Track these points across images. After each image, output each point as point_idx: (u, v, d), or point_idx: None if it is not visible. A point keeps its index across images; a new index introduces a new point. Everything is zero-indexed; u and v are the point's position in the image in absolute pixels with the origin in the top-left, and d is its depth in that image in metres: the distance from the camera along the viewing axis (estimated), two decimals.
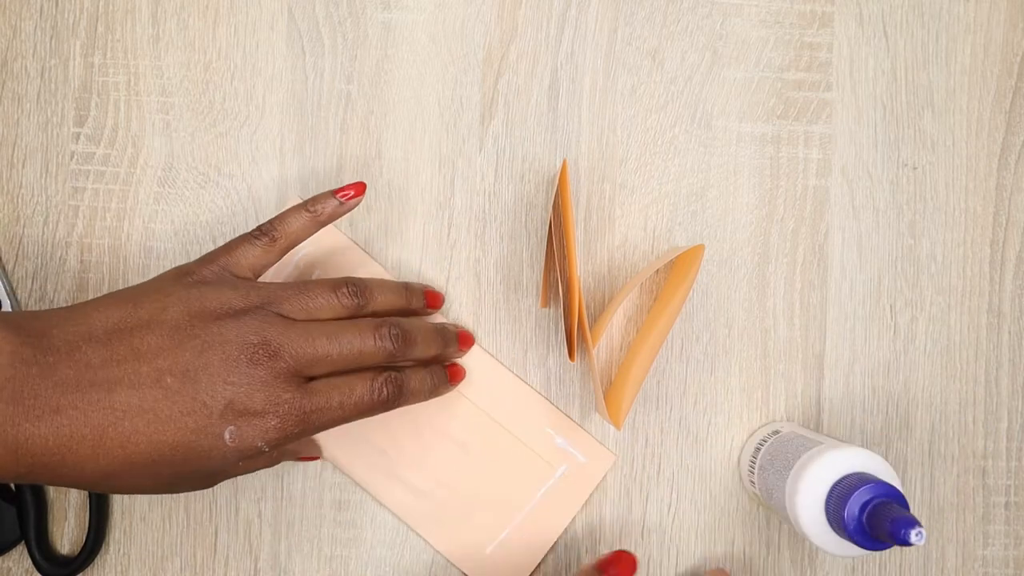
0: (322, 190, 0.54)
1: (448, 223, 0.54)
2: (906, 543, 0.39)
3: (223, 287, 0.44)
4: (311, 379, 0.45)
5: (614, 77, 0.55)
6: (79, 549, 0.53)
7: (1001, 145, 0.55)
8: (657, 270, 0.54)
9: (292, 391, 0.43)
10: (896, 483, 0.44)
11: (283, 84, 0.54)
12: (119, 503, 0.53)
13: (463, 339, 0.53)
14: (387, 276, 0.53)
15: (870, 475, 0.44)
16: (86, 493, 0.52)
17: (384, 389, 0.46)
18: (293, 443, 0.48)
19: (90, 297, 0.54)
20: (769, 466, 0.49)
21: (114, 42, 0.54)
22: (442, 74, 0.55)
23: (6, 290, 0.53)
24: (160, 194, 0.54)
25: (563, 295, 0.48)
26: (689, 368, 0.54)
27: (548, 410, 0.53)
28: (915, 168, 0.55)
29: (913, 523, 0.39)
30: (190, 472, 0.43)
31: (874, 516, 0.42)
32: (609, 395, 0.52)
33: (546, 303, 0.54)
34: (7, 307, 0.53)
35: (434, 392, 0.50)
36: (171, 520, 0.53)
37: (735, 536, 0.54)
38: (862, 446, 0.47)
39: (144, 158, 0.54)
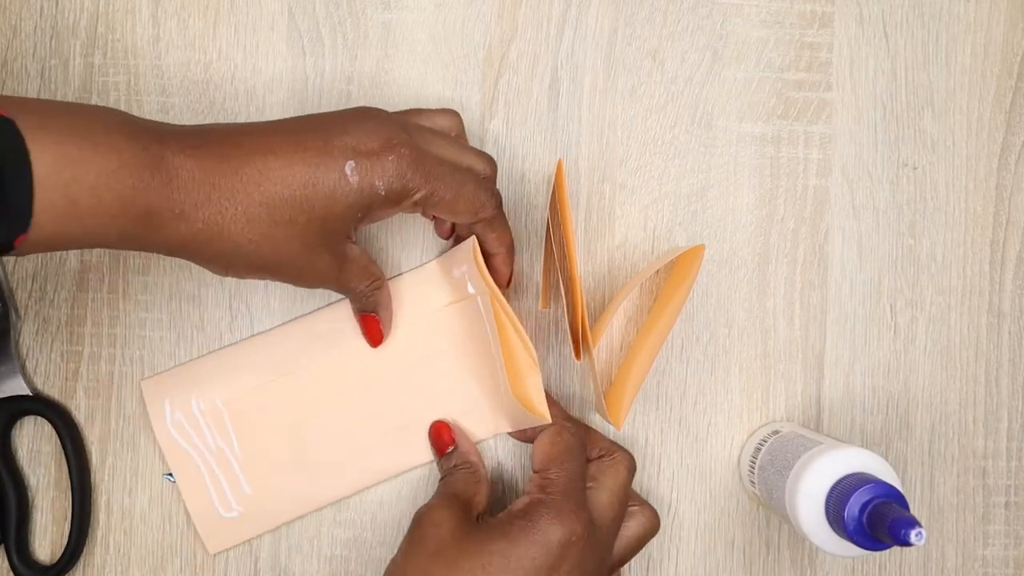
0: None
1: (448, 223, 0.54)
2: (906, 543, 0.39)
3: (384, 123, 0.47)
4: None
5: (614, 77, 0.55)
6: (59, 555, 0.53)
7: (1001, 145, 0.55)
8: (657, 270, 0.54)
9: (407, 136, 0.46)
10: (896, 483, 0.44)
11: (283, 84, 0.54)
12: (119, 503, 0.53)
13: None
14: None
15: (870, 475, 0.44)
16: (69, 500, 0.52)
17: (493, 194, 0.48)
18: (381, 292, 0.50)
19: (89, 297, 0.54)
20: (769, 466, 0.49)
21: (114, 42, 0.54)
22: (442, 74, 0.55)
23: (6, 290, 0.53)
24: None
25: (564, 295, 0.48)
26: (689, 368, 0.54)
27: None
28: (915, 168, 0.55)
29: (913, 523, 0.39)
30: (319, 218, 0.44)
31: (874, 516, 0.42)
32: (609, 395, 0.52)
33: (547, 304, 0.54)
34: (6, 307, 0.53)
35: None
36: (171, 520, 0.53)
37: (735, 536, 0.54)
38: (862, 446, 0.47)
39: None
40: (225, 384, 0.53)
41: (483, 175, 0.48)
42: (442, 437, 0.52)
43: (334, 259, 0.46)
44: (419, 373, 0.53)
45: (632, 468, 0.49)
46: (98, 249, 0.54)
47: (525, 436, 0.52)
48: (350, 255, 0.47)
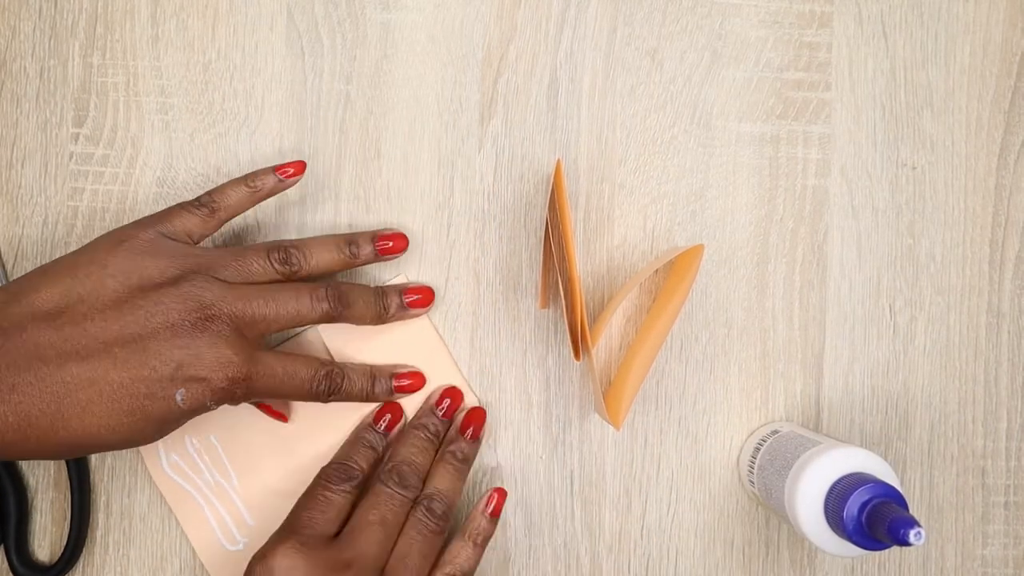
0: (321, 191, 0.54)
1: (447, 223, 0.54)
2: (905, 543, 0.39)
3: (160, 255, 0.46)
4: (259, 345, 0.47)
5: (613, 77, 0.55)
6: (59, 555, 0.52)
7: (1000, 145, 0.55)
8: (656, 270, 0.54)
9: (238, 353, 0.45)
10: (895, 483, 0.44)
11: (282, 84, 0.54)
12: (118, 503, 0.53)
13: (415, 293, 0.52)
14: (459, 377, 0.54)
15: (869, 475, 0.44)
16: (68, 500, 0.52)
17: (323, 383, 0.48)
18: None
19: None
20: (768, 466, 0.49)
21: (113, 42, 0.54)
22: (441, 74, 0.55)
23: None
24: (159, 194, 0.54)
25: (563, 295, 0.48)
26: (688, 368, 0.54)
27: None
28: (914, 168, 0.55)
29: (912, 523, 0.40)
30: (149, 433, 0.44)
31: (873, 516, 0.42)
32: (608, 395, 0.52)
33: (546, 304, 0.54)
34: None
35: (371, 398, 0.51)
36: (171, 520, 0.53)
37: (734, 536, 0.54)
38: (861, 446, 0.47)
39: (143, 159, 0.54)
40: (217, 418, 0.52)
41: (308, 310, 0.47)
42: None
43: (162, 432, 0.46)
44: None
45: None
46: None
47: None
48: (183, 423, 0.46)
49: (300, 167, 0.50)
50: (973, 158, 0.55)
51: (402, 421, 0.52)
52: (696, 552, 0.54)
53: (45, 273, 0.45)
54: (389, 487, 0.49)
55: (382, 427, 0.52)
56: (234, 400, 0.45)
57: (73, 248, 0.54)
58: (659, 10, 0.55)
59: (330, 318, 0.48)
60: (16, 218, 0.54)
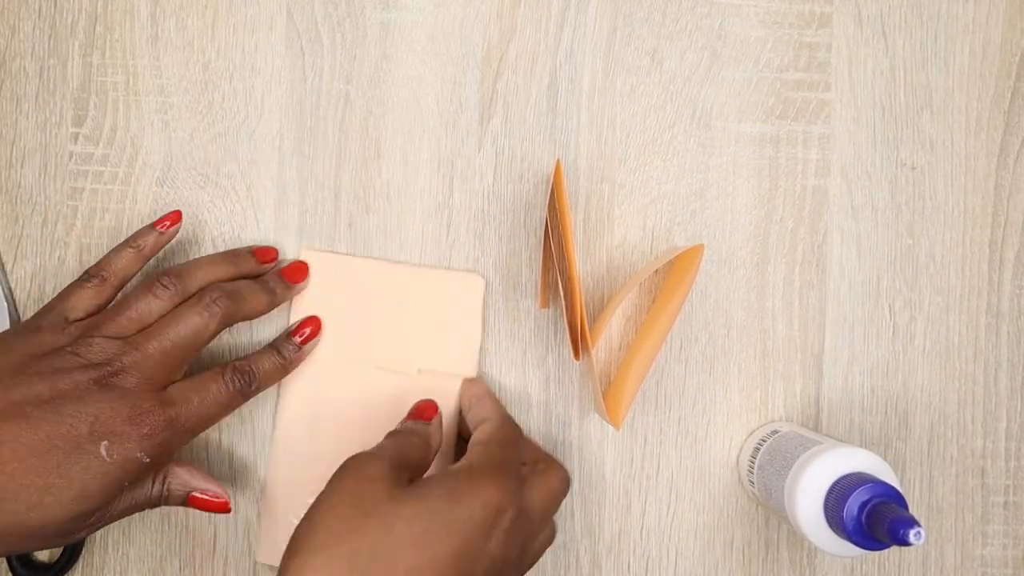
0: (320, 191, 0.54)
1: (447, 223, 0.54)
2: (905, 543, 0.39)
3: (54, 330, 0.46)
4: (167, 386, 0.46)
5: (613, 77, 0.55)
6: (58, 555, 0.52)
7: (1000, 145, 0.55)
8: (656, 270, 0.54)
9: (150, 401, 0.45)
10: (895, 483, 0.44)
11: (282, 84, 0.54)
12: None
13: (291, 273, 0.52)
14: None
15: (869, 475, 0.44)
16: None
17: (236, 380, 0.48)
18: (178, 474, 0.48)
19: None
20: (768, 466, 0.49)
21: (113, 42, 0.54)
22: (441, 74, 0.55)
23: (4, 290, 0.53)
24: (159, 194, 0.54)
25: (563, 295, 0.48)
26: (688, 368, 0.54)
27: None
28: (914, 168, 0.55)
29: (912, 523, 0.40)
30: (85, 489, 0.43)
31: (873, 516, 0.42)
32: (608, 395, 0.52)
33: (545, 304, 0.54)
34: (5, 307, 0.53)
35: (287, 367, 0.51)
36: (170, 521, 0.53)
37: (734, 536, 0.54)
38: (861, 446, 0.47)
39: (143, 158, 0.54)
40: None
41: (205, 324, 0.47)
42: (427, 409, 0.50)
43: (101, 519, 0.45)
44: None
45: (566, 480, 0.48)
46: (96, 249, 0.54)
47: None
48: (118, 507, 0.46)
49: (176, 217, 0.51)
50: (973, 158, 0.55)
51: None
52: (696, 552, 0.54)
53: None
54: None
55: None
56: (166, 447, 0.45)
57: (72, 247, 0.54)
58: (659, 10, 0.55)
59: (228, 321, 0.48)
60: (16, 218, 0.54)
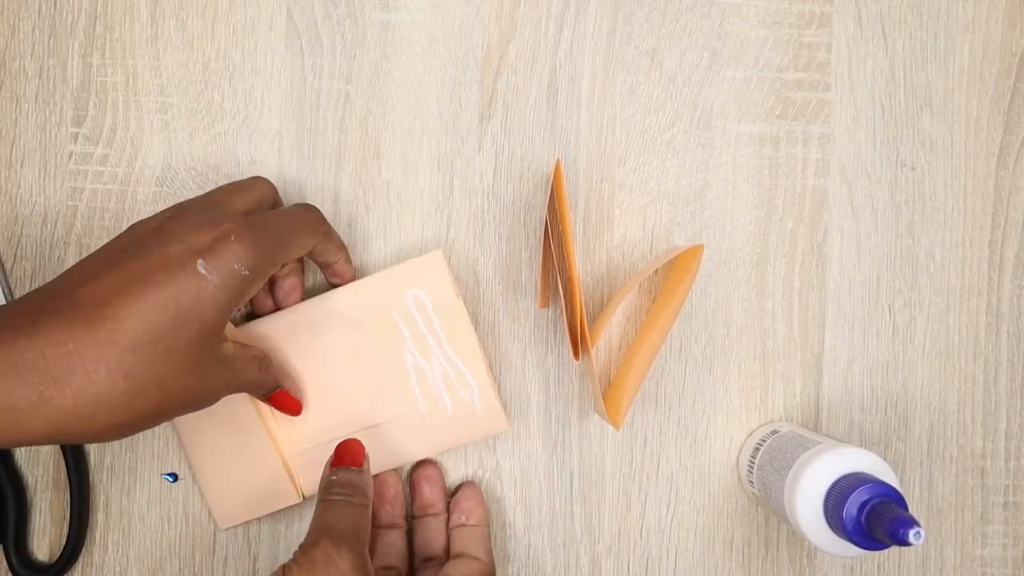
0: (320, 191, 0.54)
1: (447, 223, 0.54)
2: (905, 543, 0.39)
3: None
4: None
5: (613, 77, 0.55)
6: (58, 555, 0.52)
7: (1000, 145, 0.55)
8: (656, 270, 0.54)
9: (231, 219, 0.43)
10: (895, 483, 0.44)
11: (282, 84, 0.54)
12: (117, 503, 0.53)
13: None
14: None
15: (869, 475, 0.44)
16: (67, 499, 0.52)
17: (315, 210, 0.49)
18: (273, 365, 0.48)
19: None
20: (768, 466, 0.49)
21: (112, 42, 0.54)
22: (440, 74, 0.55)
23: (4, 290, 0.53)
24: (158, 194, 0.54)
25: (563, 295, 0.48)
26: (688, 368, 0.54)
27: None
28: (913, 168, 0.55)
29: (912, 523, 0.39)
30: (195, 333, 0.41)
31: (873, 516, 0.42)
32: (608, 395, 0.52)
33: (545, 303, 0.54)
34: None
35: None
36: (170, 520, 0.53)
37: (734, 536, 0.54)
38: (861, 446, 0.47)
39: (142, 158, 0.54)
40: None
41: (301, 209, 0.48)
42: (355, 453, 0.48)
43: (220, 368, 0.44)
44: (366, 384, 0.52)
45: None
46: (96, 247, 0.54)
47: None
48: (229, 355, 0.44)
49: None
50: (972, 158, 0.55)
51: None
52: (695, 552, 0.54)
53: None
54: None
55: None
56: (258, 260, 0.43)
57: (72, 248, 0.54)
58: (659, 10, 0.55)
59: (325, 227, 0.49)
60: (15, 217, 0.54)
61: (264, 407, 0.51)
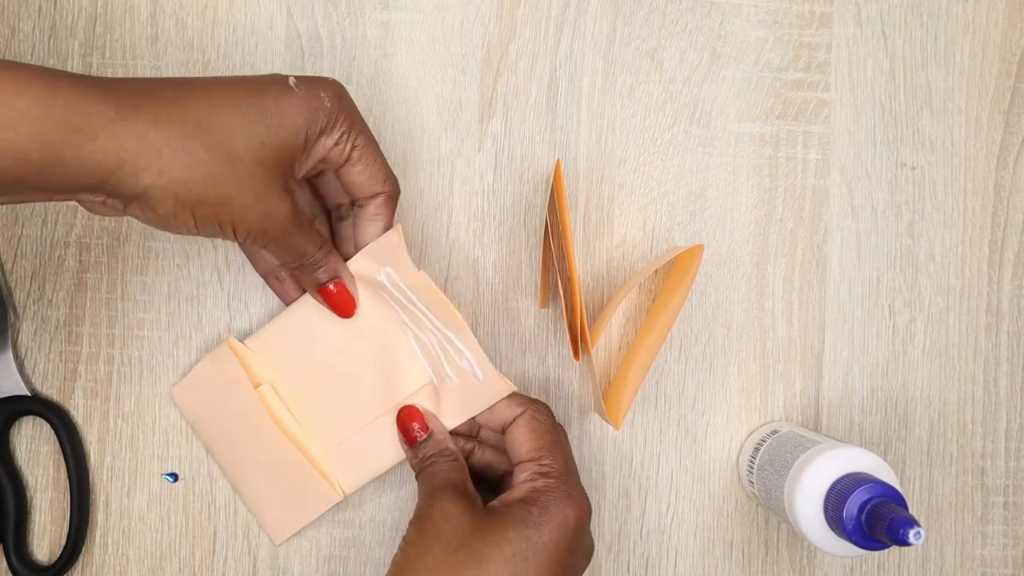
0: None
1: (447, 223, 0.54)
2: (904, 543, 0.39)
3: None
4: None
5: (613, 77, 0.55)
6: (58, 555, 0.52)
7: (999, 145, 0.55)
8: (656, 270, 0.54)
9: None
10: (895, 483, 0.44)
11: None
12: (117, 503, 0.53)
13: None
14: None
15: (868, 475, 0.44)
16: (67, 499, 0.52)
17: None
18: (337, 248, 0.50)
19: (88, 297, 0.54)
20: (768, 466, 0.49)
21: (112, 42, 0.54)
22: (441, 74, 0.55)
23: (4, 291, 0.53)
24: None
25: (563, 295, 0.48)
26: (688, 368, 0.54)
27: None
28: (914, 168, 0.55)
29: (911, 523, 0.39)
30: (273, 138, 0.43)
31: (872, 516, 0.42)
32: (608, 395, 0.52)
33: (545, 303, 0.54)
34: (5, 307, 0.53)
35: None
36: (170, 521, 0.53)
37: (734, 536, 0.54)
38: (861, 446, 0.47)
39: None
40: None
41: None
42: (411, 423, 0.50)
43: (288, 200, 0.44)
44: (368, 368, 0.51)
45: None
46: (96, 248, 0.54)
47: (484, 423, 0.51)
48: (299, 200, 0.46)
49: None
50: (972, 158, 0.55)
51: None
52: (695, 552, 0.54)
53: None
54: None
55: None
56: (341, 118, 0.45)
57: (72, 248, 0.54)
58: (659, 10, 0.55)
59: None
60: (15, 217, 0.54)
61: (281, 415, 0.52)
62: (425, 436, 0.49)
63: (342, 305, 0.50)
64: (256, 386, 0.52)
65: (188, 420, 0.53)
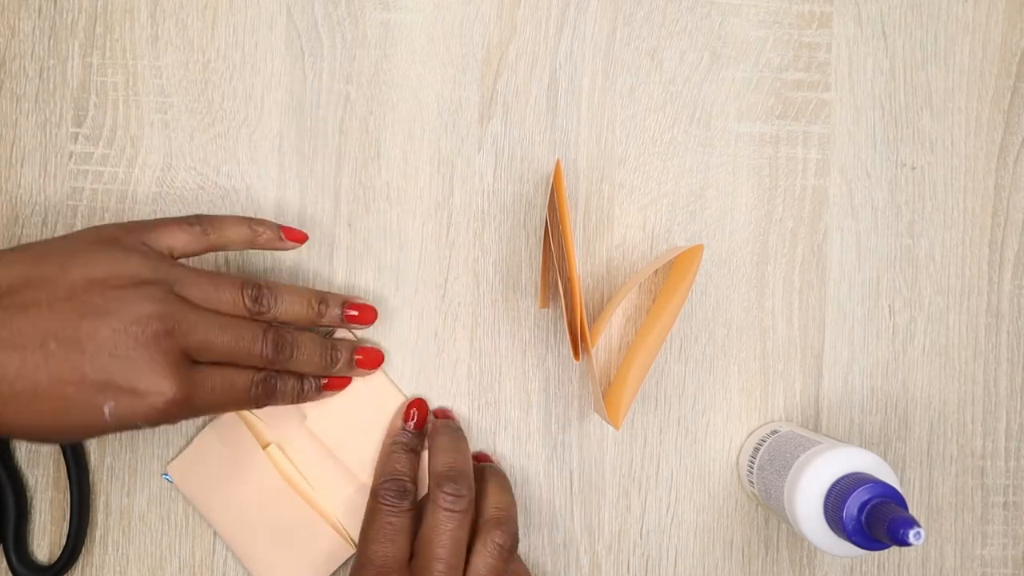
0: (320, 191, 0.54)
1: (447, 223, 0.54)
2: (904, 543, 0.39)
3: (133, 255, 0.44)
4: (196, 363, 0.45)
5: (613, 77, 0.55)
6: (58, 555, 0.52)
7: (999, 145, 0.55)
8: (656, 270, 0.54)
9: (177, 375, 0.43)
10: (894, 483, 0.44)
11: (282, 84, 0.54)
12: (117, 503, 0.53)
13: (365, 361, 0.52)
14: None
15: (868, 475, 0.44)
16: (67, 499, 0.52)
17: (259, 387, 0.47)
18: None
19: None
20: (768, 466, 0.49)
21: (112, 42, 0.54)
22: (441, 74, 0.55)
23: None
24: (158, 194, 0.54)
25: (563, 295, 0.48)
26: (688, 368, 0.54)
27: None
28: (914, 168, 0.55)
29: (911, 523, 0.40)
30: (68, 432, 0.42)
31: (872, 516, 0.42)
32: (608, 395, 0.52)
33: (545, 303, 0.54)
34: None
35: (301, 398, 0.50)
36: (170, 520, 0.53)
37: (734, 536, 0.54)
38: (861, 446, 0.47)
39: (143, 158, 0.54)
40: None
41: (256, 353, 0.46)
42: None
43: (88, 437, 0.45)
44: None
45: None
46: None
47: None
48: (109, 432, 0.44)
49: (302, 239, 0.51)
50: (972, 158, 0.55)
51: (428, 415, 0.53)
52: (695, 552, 0.54)
53: (15, 251, 0.43)
54: (388, 501, 0.49)
55: (411, 425, 0.52)
56: (172, 420, 0.43)
57: None
58: (659, 10, 0.55)
59: (272, 364, 0.47)
60: (16, 218, 0.54)
61: (289, 474, 0.53)
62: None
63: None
64: (264, 447, 0.52)
65: (187, 496, 0.53)
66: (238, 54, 0.54)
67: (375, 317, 0.52)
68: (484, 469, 0.52)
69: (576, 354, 0.48)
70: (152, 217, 0.53)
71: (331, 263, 0.54)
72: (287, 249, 0.51)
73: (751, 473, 0.51)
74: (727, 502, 0.54)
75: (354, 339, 0.53)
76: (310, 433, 0.52)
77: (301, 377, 0.50)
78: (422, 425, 0.52)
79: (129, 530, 0.53)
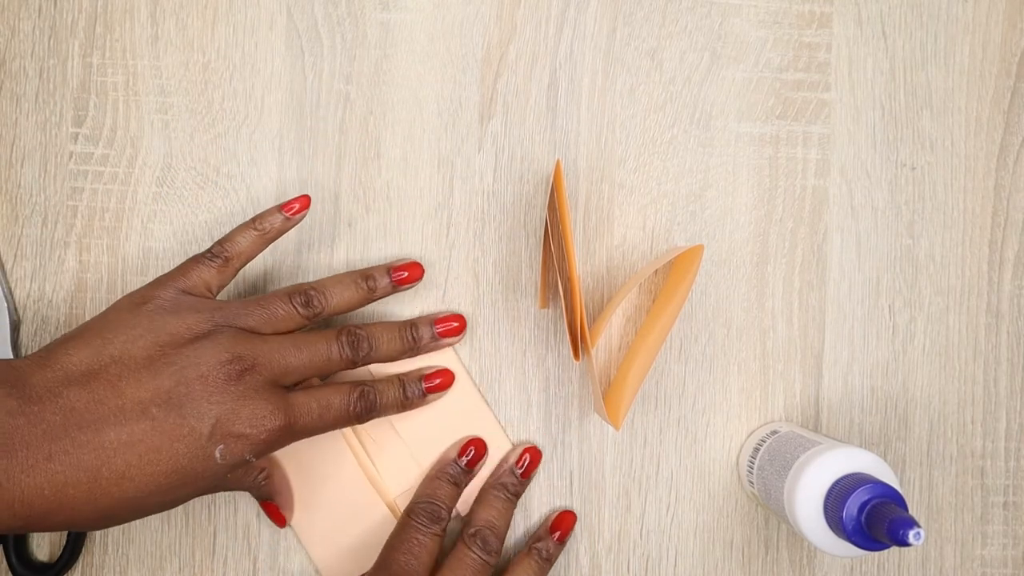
0: (320, 191, 0.54)
1: (447, 223, 0.54)
2: (904, 543, 0.39)
3: (184, 311, 0.45)
4: (289, 389, 0.46)
5: (613, 77, 0.55)
6: (58, 555, 0.52)
7: (999, 145, 0.55)
8: (656, 270, 0.54)
9: (273, 403, 0.44)
10: (894, 483, 0.44)
11: (282, 84, 0.54)
12: None
13: (447, 329, 0.52)
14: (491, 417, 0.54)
15: (868, 475, 0.44)
16: None
17: (358, 404, 0.48)
18: (276, 477, 0.51)
19: (88, 297, 0.54)
20: (768, 466, 0.49)
21: (113, 42, 0.54)
22: (441, 74, 0.55)
23: (4, 290, 0.53)
24: (159, 194, 0.54)
25: (563, 295, 0.48)
26: (688, 368, 0.54)
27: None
28: (914, 168, 0.55)
29: (911, 523, 0.40)
30: (184, 495, 0.44)
31: (872, 516, 0.42)
32: (608, 395, 0.52)
33: (545, 304, 0.54)
34: (5, 307, 0.53)
35: (406, 405, 0.51)
36: (170, 521, 0.53)
37: (734, 536, 0.54)
38: (860, 446, 0.47)
39: (143, 158, 0.54)
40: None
41: (336, 357, 0.48)
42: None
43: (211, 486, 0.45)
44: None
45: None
46: (96, 248, 0.54)
47: None
48: (219, 489, 0.47)
49: (306, 202, 0.50)
50: (972, 158, 0.55)
51: (485, 457, 0.53)
52: (695, 552, 0.54)
53: (73, 338, 0.44)
54: (474, 552, 0.49)
55: (464, 462, 0.52)
56: (276, 448, 0.45)
57: (72, 248, 0.54)
58: (659, 10, 0.55)
59: (354, 363, 0.48)
60: (15, 218, 0.54)
61: (363, 454, 0.53)
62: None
63: (273, 519, 0.53)
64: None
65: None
66: (238, 54, 0.54)
67: (423, 271, 0.52)
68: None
69: (576, 354, 0.48)
70: (151, 216, 0.53)
71: (331, 263, 0.54)
72: (299, 222, 0.50)
73: (751, 473, 0.51)
74: (727, 502, 0.54)
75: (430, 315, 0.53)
76: (393, 428, 0.53)
77: (403, 384, 0.50)
78: (474, 465, 0.52)
79: (129, 530, 0.53)
